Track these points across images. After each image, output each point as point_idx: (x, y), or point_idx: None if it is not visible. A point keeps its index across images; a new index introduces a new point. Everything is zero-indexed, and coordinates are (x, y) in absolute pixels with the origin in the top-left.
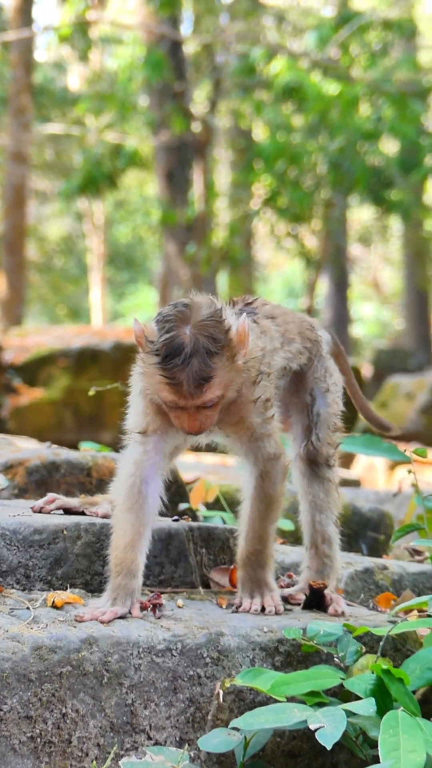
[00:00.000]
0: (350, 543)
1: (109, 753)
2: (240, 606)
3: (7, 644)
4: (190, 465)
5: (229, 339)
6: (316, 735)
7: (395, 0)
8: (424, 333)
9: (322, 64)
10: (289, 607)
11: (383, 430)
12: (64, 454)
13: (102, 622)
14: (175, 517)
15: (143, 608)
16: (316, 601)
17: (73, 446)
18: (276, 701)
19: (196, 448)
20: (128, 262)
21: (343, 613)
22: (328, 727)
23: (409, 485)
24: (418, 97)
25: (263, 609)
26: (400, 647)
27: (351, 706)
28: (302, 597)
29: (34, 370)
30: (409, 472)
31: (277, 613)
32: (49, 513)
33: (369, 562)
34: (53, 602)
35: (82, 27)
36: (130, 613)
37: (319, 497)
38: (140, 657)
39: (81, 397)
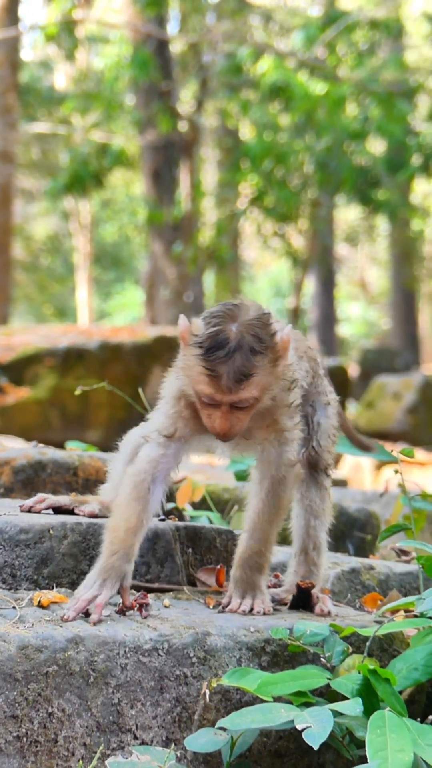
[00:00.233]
0: (337, 543)
1: (96, 752)
2: (228, 605)
3: None
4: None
5: (274, 343)
6: (303, 735)
7: (382, 0)
8: (410, 333)
9: (309, 63)
10: (275, 607)
11: (365, 450)
12: (51, 453)
13: (91, 620)
14: (162, 517)
15: (130, 608)
16: (303, 601)
17: (60, 446)
18: (263, 701)
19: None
20: (115, 262)
21: (329, 613)
22: (315, 727)
23: (395, 485)
24: (405, 96)
25: (251, 610)
26: (386, 647)
27: (338, 706)
28: (288, 598)
29: (20, 370)
30: (396, 472)
31: (265, 614)
32: (39, 512)
33: (356, 562)
34: (39, 602)
35: (68, 26)
36: (119, 594)
37: (315, 503)
38: (126, 656)
39: (67, 397)
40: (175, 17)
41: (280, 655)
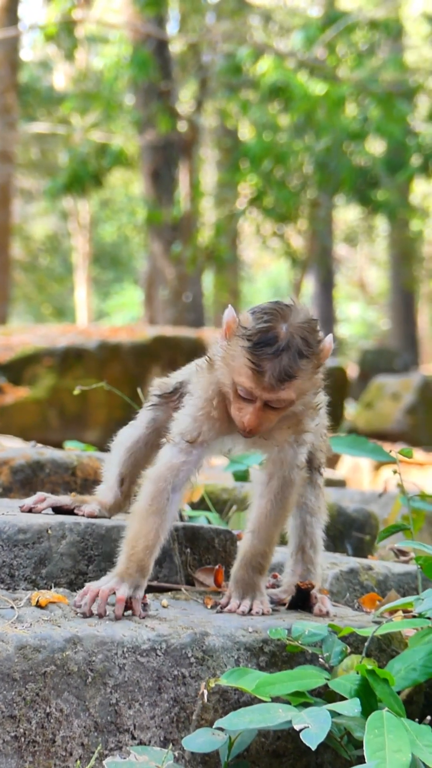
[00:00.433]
0: (335, 543)
1: (93, 753)
2: (226, 605)
3: None
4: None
5: (319, 349)
6: (301, 735)
7: (382, 0)
8: (409, 333)
9: (309, 63)
10: (274, 608)
11: None
12: (49, 453)
13: (114, 599)
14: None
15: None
16: (301, 601)
17: (58, 445)
18: (261, 701)
19: None
20: (114, 262)
21: (328, 613)
22: (313, 727)
23: (394, 486)
24: (405, 97)
25: (250, 611)
26: (385, 648)
27: (336, 706)
28: (287, 599)
29: (18, 369)
30: (395, 472)
31: (264, 614)
32: (39, 512)
33: (354, 562)
34: (38, 601)
35: (68, 26)
36: (132, 598)
37: (311, 501)
38: (125, 657)
39: (66, 397)
40: (175, 17)
41: (278, 656)
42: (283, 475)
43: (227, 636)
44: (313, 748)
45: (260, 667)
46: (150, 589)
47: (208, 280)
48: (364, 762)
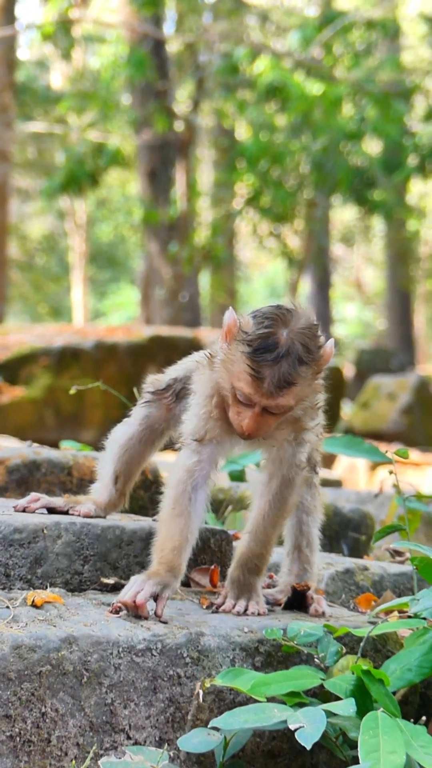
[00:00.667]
0: (331, 543)
1: (89, 752)
2: (222, 605)
3: None
4: (172, 464)
5: (320, 355)
6: (296, 735)
7: (379, 0)
8: (406, 333)
9: (306, 63)
10: (270, 608)
11: None
12: (45, 453)
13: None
14: (155, 518)
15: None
16: (297, 601)
17: (54, 445)
18: (256, 701)
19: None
20: (110, 261)
21: (323, 613)
22: (308, 727)
23: (390, 486)
24: (402, 97)
25: (245, 611)
26: (380, 648)
27: (331, 706)
28: (283, 599)
29: (15, 369)
30: (391, 472)
31: (259, 615)
32: (33, 512)
33: (350, 562)
34: (33, 601)
35: (64, 25)
36: (159, 596)
37: (307, 500)
38: (120, 656)
39: (62, 396)
40: (172, 17)
41: (273, 656)
42: (282, 474)
43: (223, 636)
44: (308, 747)
45: (256, 667)
46: None
47: (205, 280)
48: (359, 762)
